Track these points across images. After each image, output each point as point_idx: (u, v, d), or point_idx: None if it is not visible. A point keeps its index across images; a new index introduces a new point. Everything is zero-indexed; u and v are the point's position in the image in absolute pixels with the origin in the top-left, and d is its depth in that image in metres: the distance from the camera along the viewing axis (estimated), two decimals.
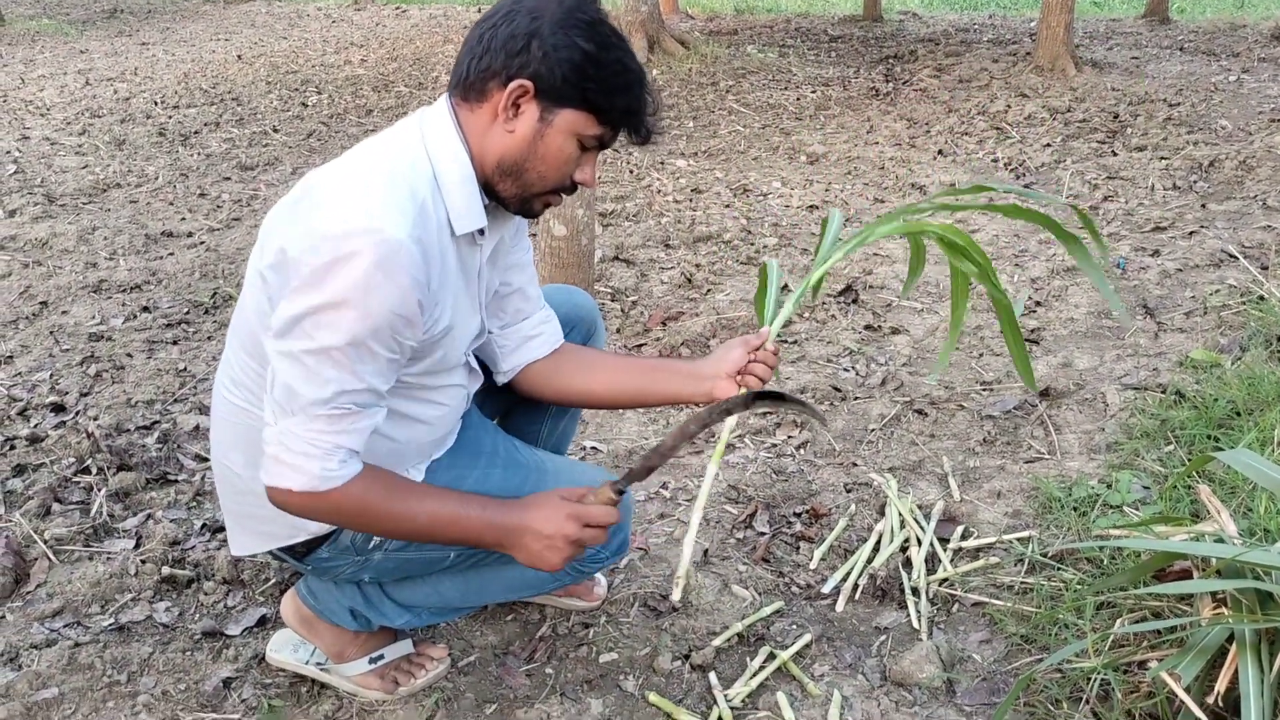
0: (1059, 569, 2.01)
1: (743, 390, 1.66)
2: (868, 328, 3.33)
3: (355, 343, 1.33)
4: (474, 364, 1.70)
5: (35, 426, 2.80)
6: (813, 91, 7.41)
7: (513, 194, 1.48)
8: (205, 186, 5.30)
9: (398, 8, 14.06)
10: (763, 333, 1.72)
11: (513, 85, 1.39)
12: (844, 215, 1.85)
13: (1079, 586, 1.91)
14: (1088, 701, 1.64)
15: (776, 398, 1.56)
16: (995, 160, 5.34)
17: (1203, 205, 4.41)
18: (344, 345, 1.32)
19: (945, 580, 2.05)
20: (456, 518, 1.49)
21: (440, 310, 1.46)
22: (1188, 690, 1.45)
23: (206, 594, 2.09)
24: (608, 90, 1.41)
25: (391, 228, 1.31)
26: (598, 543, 1.53)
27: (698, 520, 1.57)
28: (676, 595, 1.54)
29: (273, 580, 2.11)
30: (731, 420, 1.64)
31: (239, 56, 9.75)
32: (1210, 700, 1.43)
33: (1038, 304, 3.46)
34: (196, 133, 6.56)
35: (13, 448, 2.67)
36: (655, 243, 4.24)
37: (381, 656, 1.83)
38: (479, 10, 13.42)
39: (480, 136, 1.45)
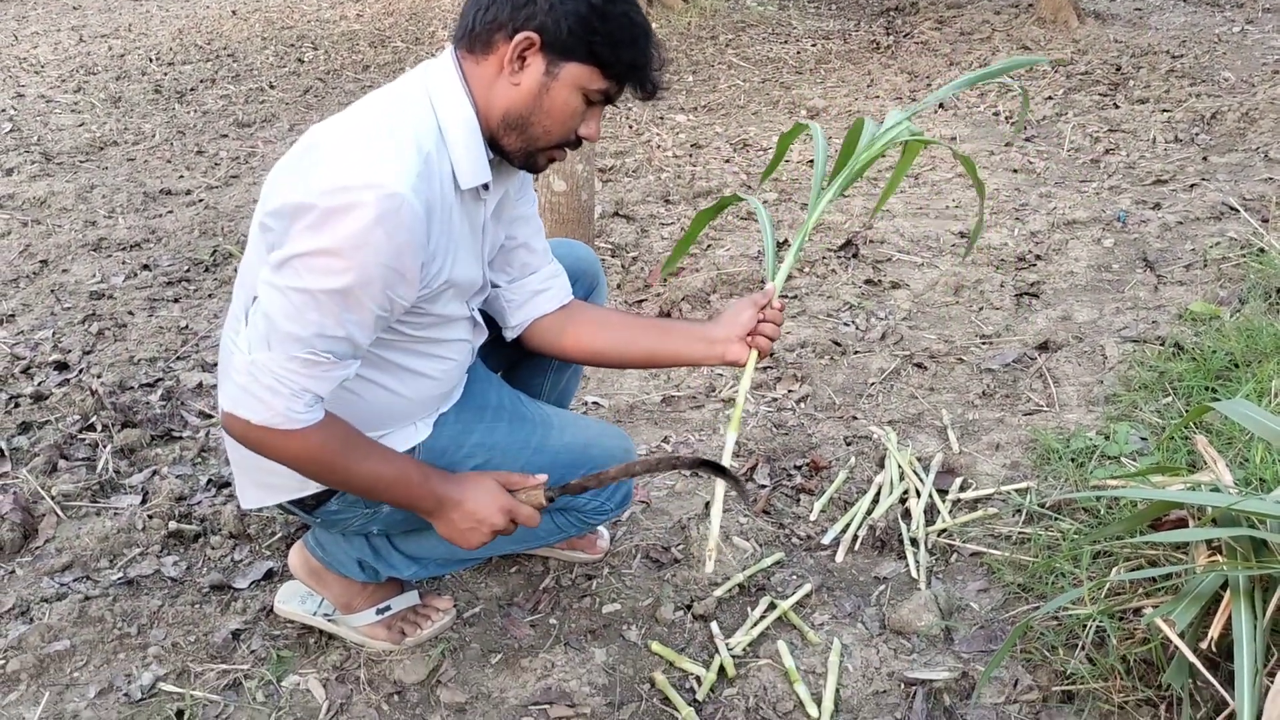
0: (1056, 519, 2.04)
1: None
2: (868, 282, 3.33)
3: (344, 291, 1.33)
4: (479, 318, 1.70)
5: (39, 384, 2.81)
6: (813, 45, 7.34)
7: (517, 148, 1.48)
8: (203, 144, 5.28)
9: None
10: (768, 290, 1.73)
11: (519, 37, 1.38)
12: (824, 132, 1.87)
13: (1076, 536, 1.93)
14: (1083, 648, 1.67)
15: (719, 470, 1.60)
16: (996, 114, 5.31)
17: (1204, 158, 4.39)
18: (332, 290, 1.33)
19: (944, 531, 2.07)
20: (399, 479, 1.52)
21: (440, 265, 1.46)
22: (1182, 636, 1.48)
23: (214, 548, 2.11)
24: (614, 44, 1.40)
25: (394, 182, 1.31)
26: (509, 534, 1.60)
27: (722, 493, 1.61)
28: (709, 567, 1.59)
29: (279, 534, 2.14)
30: (747, 384, 1.68)
31: (233, 12, 9.64)
32: (1204, 645, 1.45)
33: (1036, 258, 3.46)
34: (193, 89, 6.51)
35: (17, 405, 2.69)
36: (655, 198, 4.22)
37: (389, 608, 1.85)
38: None
39: (485, 89, 1.44)
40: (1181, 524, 1.73)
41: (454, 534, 1.58)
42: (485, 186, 1.51)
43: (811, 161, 4.63)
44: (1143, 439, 2.26)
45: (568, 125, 1.46)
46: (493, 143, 1.48)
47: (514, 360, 1.93)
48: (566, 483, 1.62)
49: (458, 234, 1.49)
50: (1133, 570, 1.75)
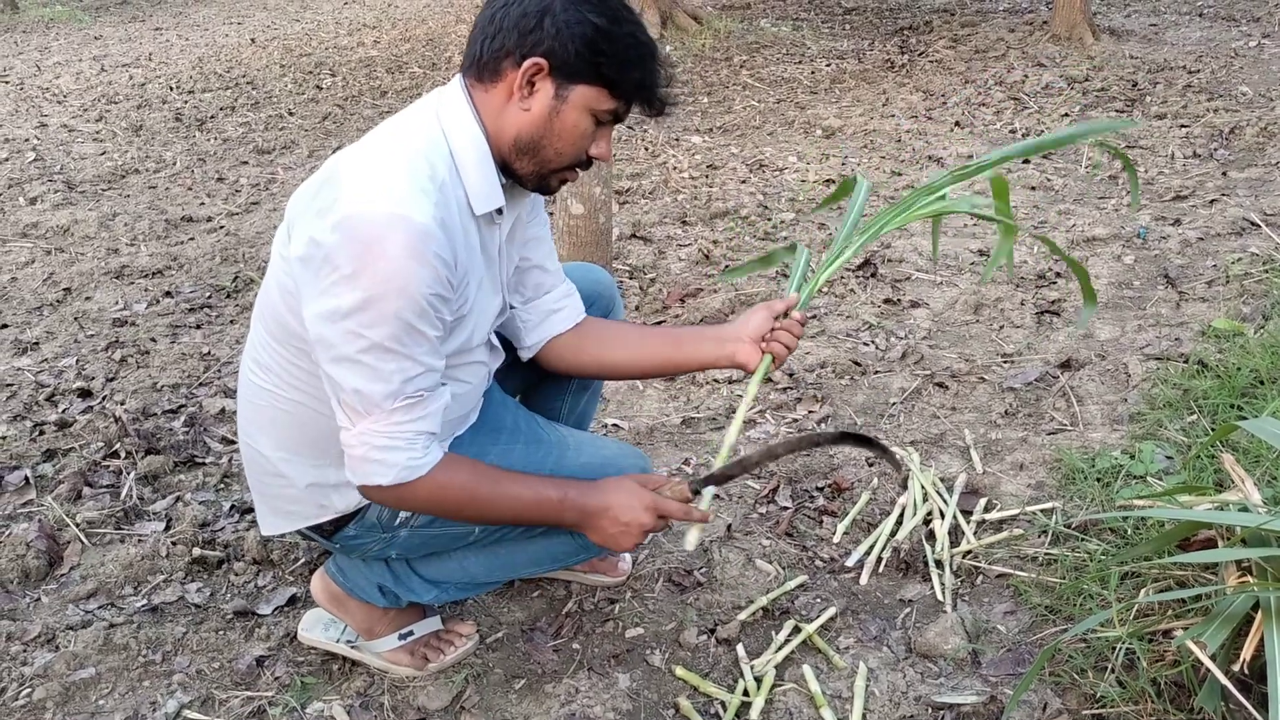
0: (1083, 540, 2.02)
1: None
2: (887, 301, 3.32)
3: (404, 329, 1.36)
4: (495, 341, 1.71)
5: (63, 412, 2.83)
6: (827, 65, 7.37)
7: (530, 171, 1.50)
8: (223, 171, 5.32)
9: None
10: (789, 298, 1.72)
11: (527, 63, 1.41)
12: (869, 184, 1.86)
13: (1103, 557, 1.91)
14: (1113, 670, 1.65)
15: (865, 441, 1.60)
16: (1013, 131, 5.30)
17: (1224, 173, 4.37)
18: (395, 334, 1.35)
19: (969, 552, 2.05)
20: (538, 500, 1.55)
21: (466, 289, 1.48)
22: (1213, 658, 1.45)
23: (237, 574, 2.12)
24: (621, 64, 1.42)
25: (416, 212, 1.33)
26: (660, 530, 1.60)
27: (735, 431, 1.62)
28: (691, 542, 1.60)
29: (302, 560, 2.14)
30: (755, 388, 1.68)
31: (252, 40, 9.75)
32: (1236, 668, 1.43)
33: (1057, 275, 3.45)
34: (213, 117, 6.58)
35: (42, 433, 2.71)
36: (672, 219, 4.23)
37: (411, 633, 1.85)
38: None
39: (496, 116, 1.46)
40: (1210, 544, 1.71)
41: (607, 540, 1.59)
42: (499, 211, 1.53)
43: (829, 181, 4.64)
44: (1168, 458, 2.24)
45: (579, 146, 1.48)
46: (505, 168, 1.50)
47: (531, 383, 1.94)
48: (711, 473, 1.63)
49: (476, 259, 1.51)
50: (1162, 591, 1.73)
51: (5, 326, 3.46)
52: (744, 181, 4.75)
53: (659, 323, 3.25)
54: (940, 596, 1.95)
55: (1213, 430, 2.30)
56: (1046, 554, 2.01)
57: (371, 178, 1.37)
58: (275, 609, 2.01)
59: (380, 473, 1.43)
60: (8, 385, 3.00)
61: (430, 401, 1.44)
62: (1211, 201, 4.02)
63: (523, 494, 1.54)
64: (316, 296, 1.37)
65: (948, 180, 1.75)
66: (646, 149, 5.43)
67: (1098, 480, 2.21)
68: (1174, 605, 1.67)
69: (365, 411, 1.40)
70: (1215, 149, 4.72)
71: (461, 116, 1.46)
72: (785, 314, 1.72)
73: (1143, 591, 1.74)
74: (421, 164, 1.40)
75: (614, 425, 2.67)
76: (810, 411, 2.68)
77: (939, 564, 2.03)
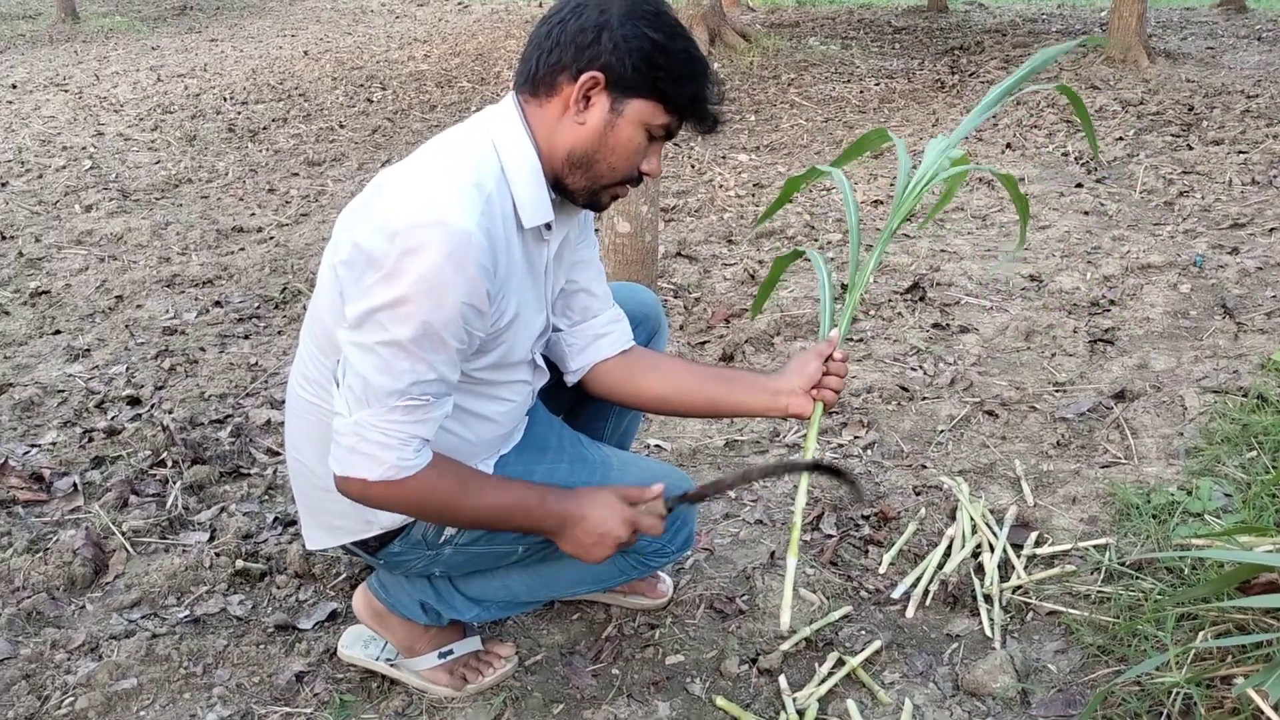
0: (1137, 578, 1.96)
1: (814, 452, 1.67)
2: (935, 326, 3.28)
3: (428, 334, 1.35)
4: (540, 361, 1.70)
5: (112, 419, 2.86)
6: (876, 84, 7.32)
7: (582, 186, 1.50)
8: (274, 182, 5.39)
9: (460, 3, 14.17)
10: (831, 338, 1.70)
11: (584, 77, 1.41)
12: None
13: (1159, 597, 1.86)
14: (1169, 717, 1.60)
15: (837, 473, 1.62)
16: (1065, 154, 5.24)
17: None
18: (417, 336, 1.35)
19: (1019, 588, 2.00)
20: (518, 504, 1.53)
21: (506, 301, 1.48)
22: (1276, 708, 1.40)
23: (279, 587, 2.12)
24: (676, 79, 1.43)
25: (458, 218, 1.33)
26: (631, 546, 1.59)
27: (797, 540, 1.59)
28: (785, 621, 1.56)
29: (343, 575, 2.14)
30: (814, 440, 1.66)
31: (305, 53, 9.89)
32: None
33: (1111, 303, 3.38)
34: (265, 128, 6.68)
35: (91, 440, 2.74)
36: (718, 238, 4.22)
37: (450, 651, 1.84)
38: (540, 5, 13.48)
39: (549, 131, 1.47)
40: (1272, 588, 1.66)
41: (579, 550, 1.57)
42: (548, 226, 1.52)
43: (876, 202, 4.60)
44: (1227, 495, 2.18)
45: (631, 161, 1.48)
46: (557, 183, 1.50)
47: (575, 402, 1.93)
48: (685, 492, 1.62)
49: (520, 272, 1.50)
50: (1220, 635, 1.68)
51: (59, 333, 3.52)
52: (791, 201, 4.72)
53: (702, 344, 3.23)
54: (989, 632, 1.90)
55: (1273, 468, 2.24)
56: (1099, 591, 1.96)
57: (417, 187, 1.38)
58: (316, 624, 2.01)
59: (367, 467, 1.41)
60: (60, 391, 3.04)
61: (433, 408, 1.42)
62: (1271, 230, 3.94)
63: (503, 499, 1.53)
64: (356, 298, 1.38)
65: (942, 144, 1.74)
66: (693, 166, 5.42)
67: (1153, 517, 2.15)
68: (1234, 651, 1.62)
69: (366, 402, 1.39)
70: (1275, 176, 4.62)
71: (513, 131, 1.47)
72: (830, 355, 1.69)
73: (1201, 635, 1.69)
74: (468, 175, 1.40)
75: (656, 446, 2.65)
76: (856, 437, 2.64)
77: (988, 598, 1.98)
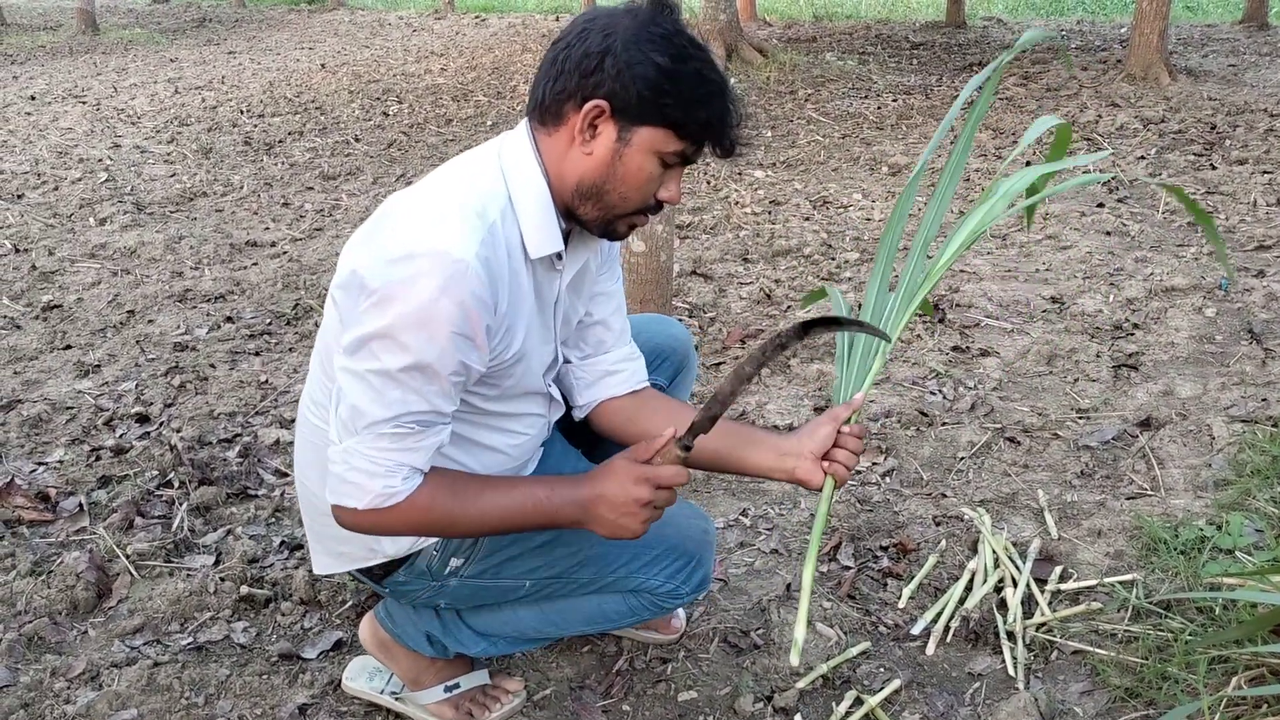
0: (1166, 617, 1.90)
1: (829, 475, 1.54)
2: (955, 349, 3.22)
3: (420, 365, 1.31)
4: (555, 394, 1.66)
5: (120, 437, 2.83)
6: (894, 100, 7.28)
7: (594, 217, 1.44)
8: (289, 196, 5.38)
9: (477, 16, 14.21)
10: (854, 401, 1.58)
11: (588, 106, 1.35)
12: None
13: (1189, 638, 1.80)
14: None
15: (837, 322, 1.45)
16: (1086, 173, 5.17)
17: None
18: (408, 366, 1.31)
19: (1043, 625, 1.94)
20: (528, 502, 1.45)
21: (511, 335, 1.43)
22: None
23: (284, 614, 2.08)
24: (686, 104, 1.36)
25: (457, 249, 1.29)
26: (671, 503, 1.46)
27: (806, 601, 1.48)
28: (795, 659, 1.46)
29: (350, 603, 2.10)
30: (823, 516, 1.51)
31: (323, 65, 9.92)
32: None
33: (1135, 326, 3.32)
34: (281, 141, 6.67)
35: (98, 458, 2.71)
36: (733, 257, 4.17)
37: (457, 685, 1.79)
38: (557, 19, 13.50)
39: (559, 161, 1.42)
40: None
41: (612, 530, 1.45)
42: (559, 256, 1.47)
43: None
44: (1258, 530, 2.12)
45: (644, 191, 1.42)
46: (569, 213, 1.45)
47: (598, 437, 1.86)
48: (691, 424, 1.43)
49: (527, 304, 1.45)
50: (1255, 682, 1.62)
51: (69, 348, 3.50)
52: (807, 219, 4.68)
53: (718, 365, 3.18)
54: (1012, 671, 1.84)
55: None
56: (1127, 630, 1.90)
57: (419, 214, 1.35)
58: (321, 653, 1.96)
59: (354, 496, 1.37)
60: (68, 408, 3.01)
61: (424, 436, 1.37)
62: None
63: (508, 501, 1.44)
64: (351, 324, 1.35)
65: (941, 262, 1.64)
66: (709, 183, 5.39)
67: (1181, 552, 2.09)
68: (1269, 700, 1.55)
69: (354, 430, 1.35)
70: None
71: (523, 159, 1.42)
72: (847, 419, 1.57)
73: (1234, 681, 1.63)
74: (472, 204, 1.36)
75: None
76: (875, 463, 2.58)
77: (1011, 636, 1.92)
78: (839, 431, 1.55)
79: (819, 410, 2.79)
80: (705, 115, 1.38)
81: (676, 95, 1.34)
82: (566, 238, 1.51)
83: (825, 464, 1.54)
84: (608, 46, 1.34)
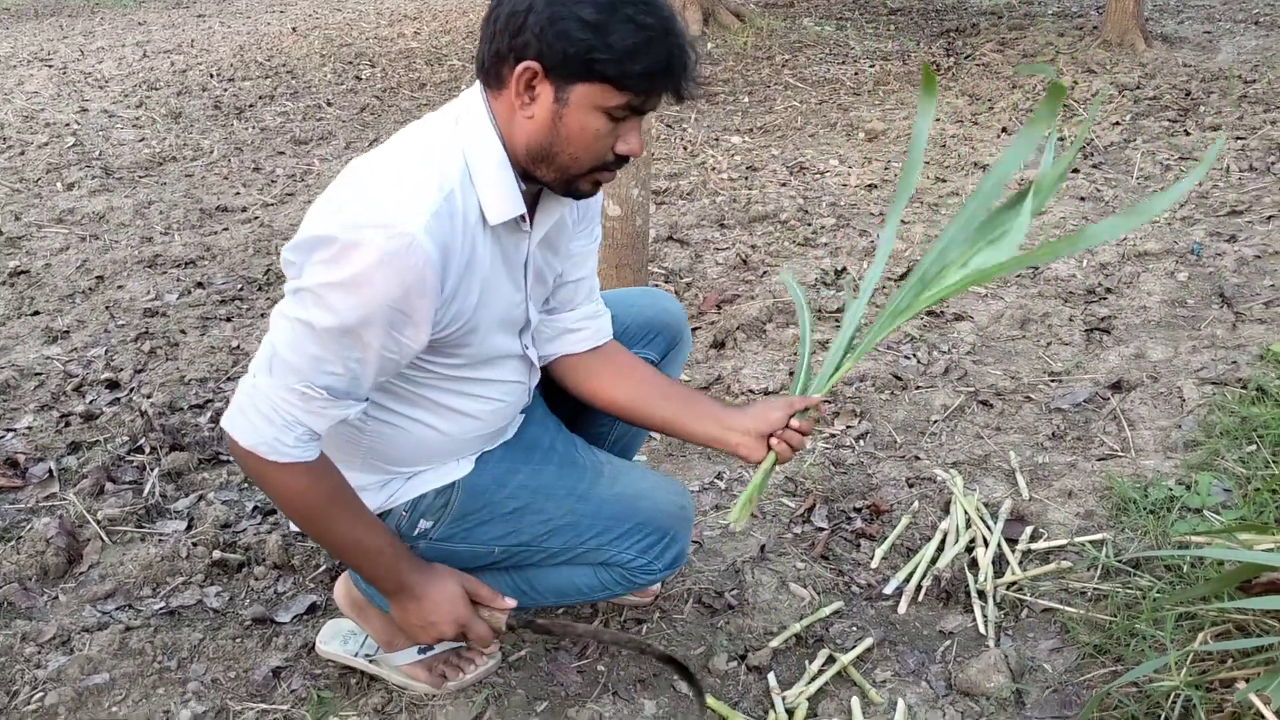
0: (1135, 575, 1.92)
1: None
2: (929, 313, 3.23)
3: (343, 328, 1.29)
4: (534, 358, 1.64)
5: (90, 403, 2.80)
6: (871, 66, 7.25)
7: (552, 178, 1.40)
8: (259, 161, 5.31)
9: None
10: (812, 399, 1.60)
11: (520, 68, 1.30)
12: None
13: (1157, 595, 1.82)
14: None
15: (687, 675, 1.64)
16: (1061, 139, 5.18)
17: None
18: (334, 327, 1.29)
19: (1013, 584, 1.96)
20: (377, 552, 1.49)
21: (459, 306, 1.40)
22: (1278, 714, 1.37)
23: (257, 579, 2.07)
24: (620, 57, 1.27)
25: (405, 222, 1.27)
26: (460, 643, 1.60)
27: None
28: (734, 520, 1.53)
29: (323, 566, 2.09)
30: (754, 487, 1.60)
31: (294, 29, 9.77)
32: None
33: (1108, 290, 3.34)
34: (251, 106, 6.58)
35: (68, 424, 2.68)
36: (710, 222, 4.15)
37: (430, 647, 1.79)
38: None
39: (508, 124, 1.37)
40: (1273, 589, 1.62)
41: (404, 624, 1.56)
42: (523, 218, 1.45)
43: (871, 186, 4.54)
44: (1226, 490, 2.14)
45: (596, 149, 1.36)
46: (527, 175, 1.41)
47: (580, 406, 1.84)
48: (532, 619, 1.59)
49: (486, 270, 1.42)
50: (1220, 637, 1.64)
51: (37, 314, 3.45)
52: (784, 184, 4.66)
53: (694, 330, 3.17)
54: (983, 629, 1.86)
55: (1274, 463, 2.20)
56: (1096, 589, 1.92)
57: (374, 182, 1.32)
58: (294, 617, 1.96)
59: (245, 432, 1.36)
60: (37, 374, 2.98)
61: (327, 406, 1.35)
62: (1269, 218, 3.89)
63: (364, 538, 1.47)
64: (294, 275, 1.34)
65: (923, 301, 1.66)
66: (685, 148, 5.35)
67: (1150, 512, 2.11)
68: (1235, 654, 1.58)
69: (269, 369, 1.34)
70: (1273, 162, 4.57)
71: (478, 123, 1.38)
72: (804, 410, 1.59)
73: (1200, 636, 1.65)
74: (431, 172, 1.33)
75: (648, 437, 2.59)
76: (849, 426, 2.59)
77: (981, 595, 1.94)
78: (789, 419, 1.58)
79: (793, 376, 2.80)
80: (644, 64, 1.28)
81: (607, 48, 1.26)
82: (537, 197, 1.49)
83: (773, 440, 1.58)
84: (531, 3, 1.27)
